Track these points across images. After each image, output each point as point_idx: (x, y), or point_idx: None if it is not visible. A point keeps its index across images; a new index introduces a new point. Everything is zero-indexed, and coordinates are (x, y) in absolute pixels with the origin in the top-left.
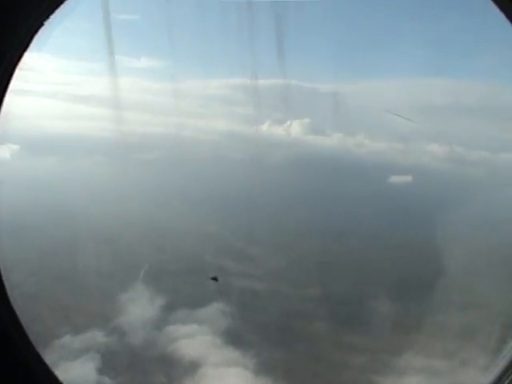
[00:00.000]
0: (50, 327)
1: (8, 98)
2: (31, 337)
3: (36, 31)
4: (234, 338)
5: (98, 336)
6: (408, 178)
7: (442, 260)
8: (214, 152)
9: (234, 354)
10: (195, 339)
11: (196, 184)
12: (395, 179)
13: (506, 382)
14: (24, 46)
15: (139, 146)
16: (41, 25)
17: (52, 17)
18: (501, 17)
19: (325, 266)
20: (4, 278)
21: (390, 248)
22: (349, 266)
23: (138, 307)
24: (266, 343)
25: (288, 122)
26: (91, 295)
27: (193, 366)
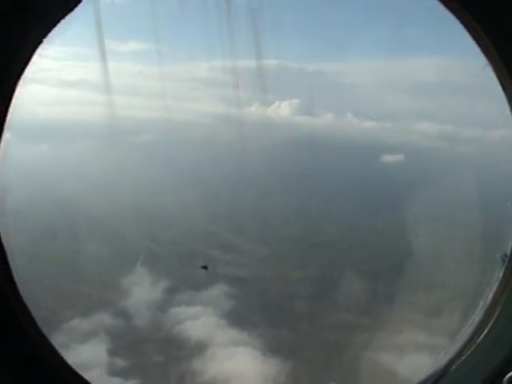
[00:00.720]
0: (56, 311)
1: None
2: (38, 319)
3: (36, 47)
4: (237, 319)
5: (105, 319)
6: (400, 157)
7: (429, 241)
8: (203, 135)
9: (240, 334)
10: (200, 320)
11: (186, 167)
12: (387, 158)
13: (464, 357)
14: (24, 62)
15: (131, 129)
16: (40, 41)
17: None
18: None
19: (315, 248)
20: (10, 262)
21: (379, 229)
22: (337, 247)
23: (142, 290)
24: (269, 324)
25: (276, 103)
26: (93, 279)
27: (201, 347)
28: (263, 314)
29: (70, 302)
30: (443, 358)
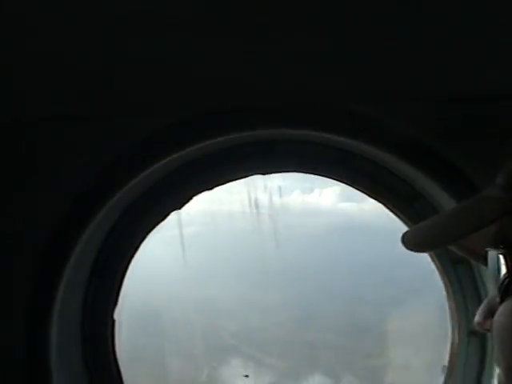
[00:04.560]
0: None
1: None
2: None
3: None
4: None
5: None
6: None
7: None
8: (246, 224)
9: None
10: None
11: (230, 257)
12: None
13: None
14: None
15: (175, 223)
16: None
17: None
18: None
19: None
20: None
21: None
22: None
23: (244, 381)
24: None
25: (316, 191)
26: (183, 374)
27: None
28: None
29: None
30: None
